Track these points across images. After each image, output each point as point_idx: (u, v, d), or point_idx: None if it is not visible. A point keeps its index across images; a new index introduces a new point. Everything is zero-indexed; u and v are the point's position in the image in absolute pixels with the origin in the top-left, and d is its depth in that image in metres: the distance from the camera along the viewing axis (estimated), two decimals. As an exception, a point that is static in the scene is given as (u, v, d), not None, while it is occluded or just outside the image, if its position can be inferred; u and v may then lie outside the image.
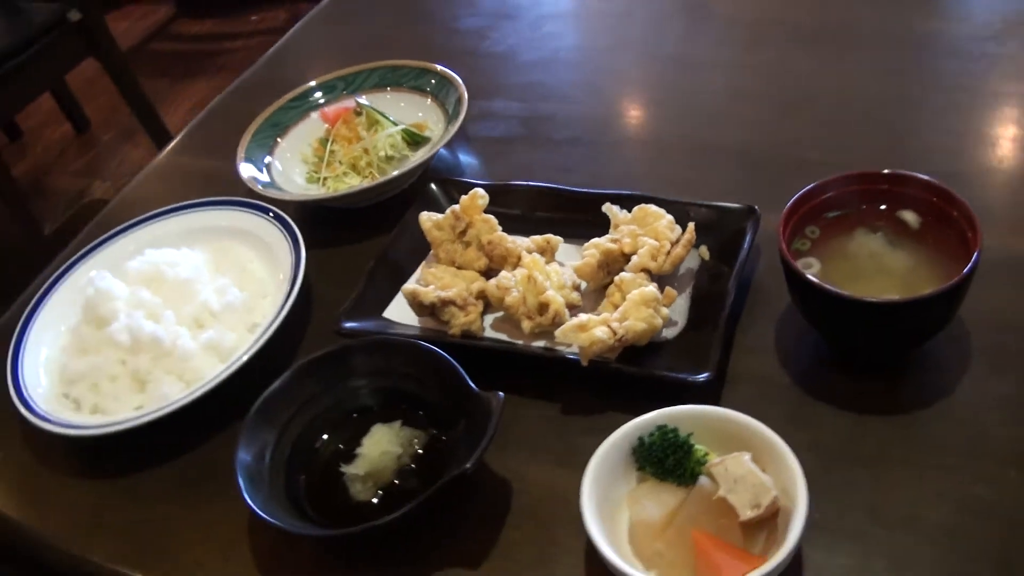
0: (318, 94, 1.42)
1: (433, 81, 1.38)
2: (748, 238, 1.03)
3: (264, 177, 1.30)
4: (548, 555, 0.86)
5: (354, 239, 1.25)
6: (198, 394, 1.01)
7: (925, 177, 0.94)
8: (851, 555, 0.81)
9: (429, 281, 1.06)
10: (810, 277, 0.88)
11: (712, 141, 1.29)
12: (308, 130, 1.39)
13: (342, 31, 1.80)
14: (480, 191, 1.09)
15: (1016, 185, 1.15)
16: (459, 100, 1.29)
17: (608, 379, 0.96)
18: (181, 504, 0.99)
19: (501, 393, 0.88)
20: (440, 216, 1.11)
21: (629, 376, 0.94)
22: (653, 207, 1.05)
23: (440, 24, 1.75)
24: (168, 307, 1.12)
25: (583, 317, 0.94)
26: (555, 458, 0.93)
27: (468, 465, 0.82)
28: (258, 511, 0.86)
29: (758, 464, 0.81)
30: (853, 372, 0.94)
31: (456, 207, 1.10)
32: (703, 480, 0.81)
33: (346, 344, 0.99)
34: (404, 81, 1.40)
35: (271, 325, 1.06)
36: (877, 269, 0.93)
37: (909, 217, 0.95)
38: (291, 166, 1.36)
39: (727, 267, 1.02)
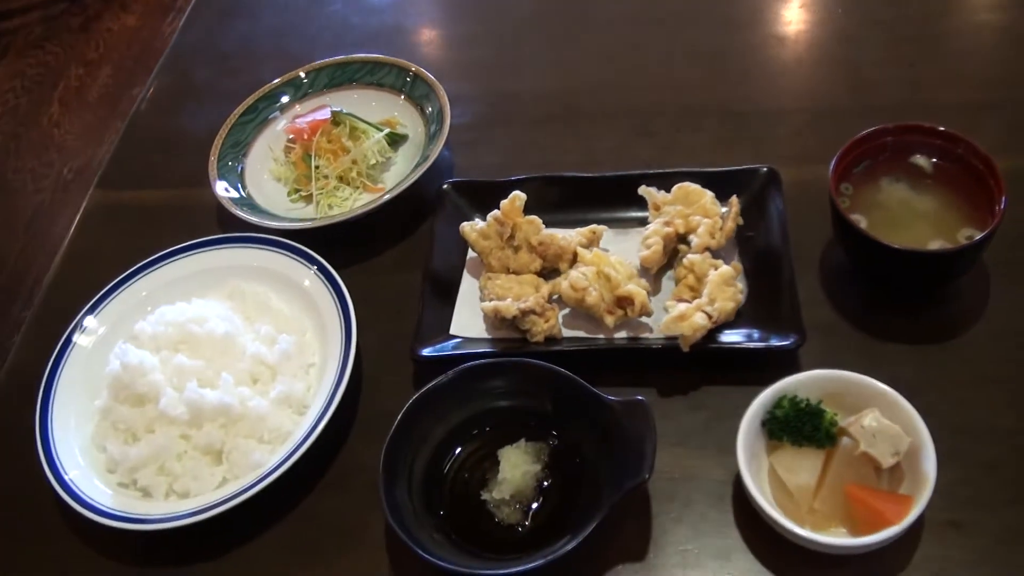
0: (266, 104, 1.34)
1: (384, 72, 1.35)
2: (778, 199, 1.11)
3: (247, 203, 1.23)
4: (701, 531, 0.94)
5: (362, 251, 1.23)
6: (302, 450, 0.98)
7: (927, 124, 1.07)
8: (951, 471, 0.93)
9: (497, 293, 1.07)
10: (884, 242, 0.98)
11: (682, 102, 1.36)
12: (266, 143, 1.33)
13: (231, 23, 1.69)
14: (519, 193, 1.11)
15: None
16: (440, 109, 1.28)
17: (694, 357, 1.03)
18: (318, 564, 0.97)
19: (641, 397, 0.93)
20: (482, 224, 1.12)
21: (726, 351, 1.01)
22: (692, 185, 1.11)
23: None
24: (215, 368, 1.06)
25: (681, 307, 0.99)
26: (673, 439, 0.99)
27: (646, 475, 0.87)
28: (441, 562, 0.87)
29: (880, 412, 0.92)
30: (900, 308, 1.06)
31: (497, 213, 1.11)
32: (844, 440, 0.91)
33: (458, 371, 0.99)
34: (356, 77, 1.36)
35: (343, 372, 1.03)
36: (910, 214, 1.05)
37: (922, 162, 1.07)
38: (262, 184, 1.29)
39: (757, 228, 1.11)
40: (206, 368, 1.06)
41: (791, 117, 1.29)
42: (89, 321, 1.15)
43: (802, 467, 0.91)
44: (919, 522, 0.87)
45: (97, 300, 1.17)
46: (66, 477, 1.02)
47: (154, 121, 1.52)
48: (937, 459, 0.88)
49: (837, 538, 0.88)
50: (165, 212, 1.36)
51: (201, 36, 1.66)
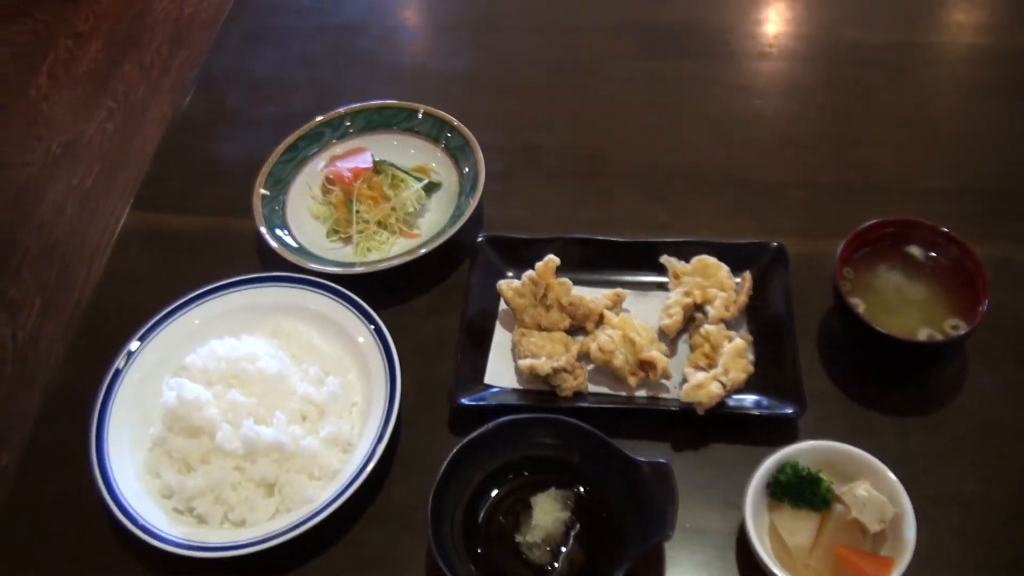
0: (306, 143, 1.42)
1: (419, 118, 1.44)
2: (784, 273, 1.23)
3: (291, 242, 1.32)
4: (708, 566, 1.06)
5: (397, 295, 1.32)
6: (353, 488, 1.07)
7: (927, 222, 1.19)
8: (922, 533, 1.04)
9: (531, 351, 1.17)
10: (880, 329, 1.10)
11: (693, 166, 1.48)
12: (305, 180, 1.41)
13: (261, 51, 1.75)
14: (554, 258, 1.21)
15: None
16: (475, 164, 1.37)
17: (706, 419, 1.14)
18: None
19: (664, 460, 1.05)
20: (517, 283, 1.22)
21: (736, 416, 1.13)
22: (711, 259, 1.22)
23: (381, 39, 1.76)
24: (267, 406, 1.15)
25: (699, 376, 1.11)
26: (684, 491, 1.08)
27: (669, 532, 0.99)
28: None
29: (870, 483, 1.05)
30: (888, 382, 1.19)
31: (532, 274, 1.21)
32: (838, 506, 1.04)
33: (498, 423, 1.09)
34: (394, 122, 1.44)
35: (388, 417, 1.13)
36: (903, 301, 1.17)
37: (917, 252, 1.20)
38: (301, 221, 1.38)
39: (765, 299, 1.23)
40: (258, 405, 1.15)
41: (793, 191, 1.41)
42: (138, 348, 1.22)
43: (800, 528, 1.04)
44: (898, 580, 1.01)
45: (148, 329, 1.23)
46: (123, 499, 1.10)
47: (189, 142, 1.58)
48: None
49: (828, 594, 1.01)
50: (202, 239, 1.44)
51: (232, 60, 1.72)
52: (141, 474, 1.15)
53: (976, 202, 1.40)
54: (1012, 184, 1.42)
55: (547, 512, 1.07)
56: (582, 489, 1.09)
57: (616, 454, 1.07)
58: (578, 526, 1.07)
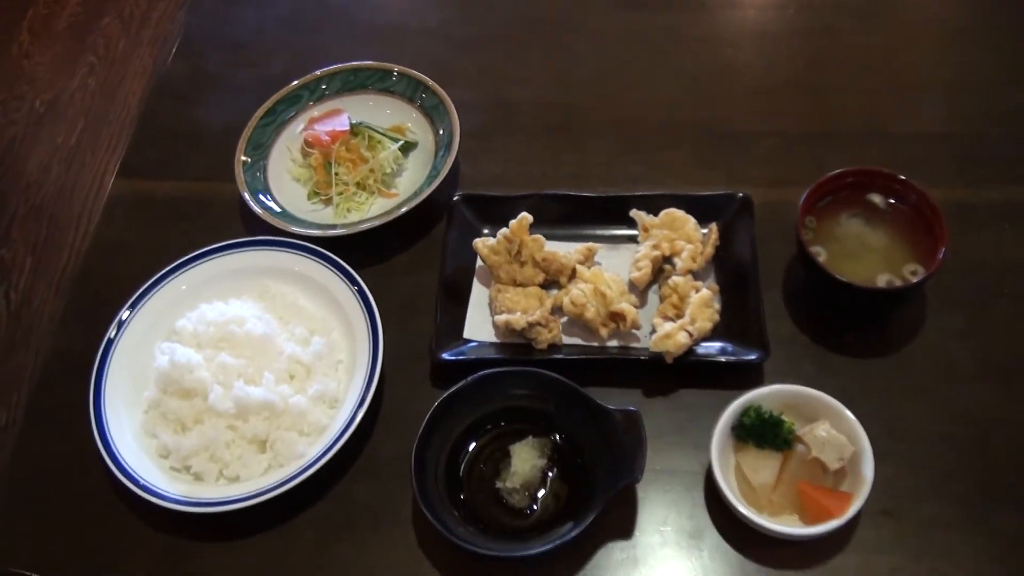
0: (284, 107, 1.45)
1: (393, 78, 1.47)
2: (750, 223, 1.27)
3: (274, 206, 1.36)
4: (678, 515, 1.12)
5: (376, 253, 1.36)
6: (341, 443, 1.13)
7: (887, 171, 1.23)
8: (886, 468, 1.12)
9: (507, 306, 1.22)
10: (840, 277, 1.15)
11: (666, 119, 1.51)
12: (284, 144, 1.44)
13: (239, 12, 1.76)
14: (527, 215, 1.26)
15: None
16: (451, 125, 1.40)
17: (675, 367, 1.19)
18: (355, 540, 1.13)
19: (635, 408, 1.10)
20: (492, 241, 1.26)
21: (703, 363, 1.19)
22: (678, 212, 1.26)
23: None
24: (256, 367, 1.20)
25: (667, 326, 1.16)
26: (654, 435, 1.14)
27: (638, 475, 1.05)
28: (465, 543, 1.05)
29: (830, 424, 1.10)
30: (849, 326, 1.24)
31: (506, 231, 1.25)
32: (799, 446, 1.10)
33: (476, 377, 1.15)
34: (369, 83, 1.47)
35: (372, 373, 1.18)
36: (864, 248, 1.22)
37: (878, 200, 1.24)
38: (282, 184, 1.41)
39: (731, 249, 1.27)
40: (248, 366, 1.20)
41: (763, 140, 1.44)
42: (131, 314, 1.27)
43: (764, 467, 1.10)
44: (857, 513, 1.06)
45: (138, 297, 1.28)
46: (123, 461, 1.15)
47: (170, 108, 1.61)
48: (874, 458, 1.07)
49: (789, 527, 1.07)
50: (188, 204, 1.47)
51: (210, 22, 1.74)
52: (139, 435, 1.21)
53: (944, 147, 1.43)
54: (979, 128, 1.45)
55: (525, 460, 1.13)
56: (557, 437, 1.15)
57: (588, 403, 1.12)
58: (554, 471, 1.13)
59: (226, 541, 1.15)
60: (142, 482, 1.14)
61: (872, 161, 1.28)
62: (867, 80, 1.53)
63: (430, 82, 1.44)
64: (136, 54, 3.30)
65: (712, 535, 1.11)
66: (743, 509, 1.06)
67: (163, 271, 1.30)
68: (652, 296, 1.27)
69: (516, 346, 1.22)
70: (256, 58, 1.66)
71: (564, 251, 1.27)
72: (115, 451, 1.16)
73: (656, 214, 1.28)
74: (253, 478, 1.16)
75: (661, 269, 1.26)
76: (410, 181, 1.41)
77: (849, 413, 1.10)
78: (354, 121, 1.41)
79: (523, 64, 1.61)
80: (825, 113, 1.49)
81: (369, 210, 1.38)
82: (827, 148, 1.42)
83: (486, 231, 1.32)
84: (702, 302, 1.18)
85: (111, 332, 1.25)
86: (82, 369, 1.23)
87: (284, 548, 1.14)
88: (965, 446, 1.15)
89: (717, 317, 1.20)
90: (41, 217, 2.82)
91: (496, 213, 1.31)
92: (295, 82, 1.47)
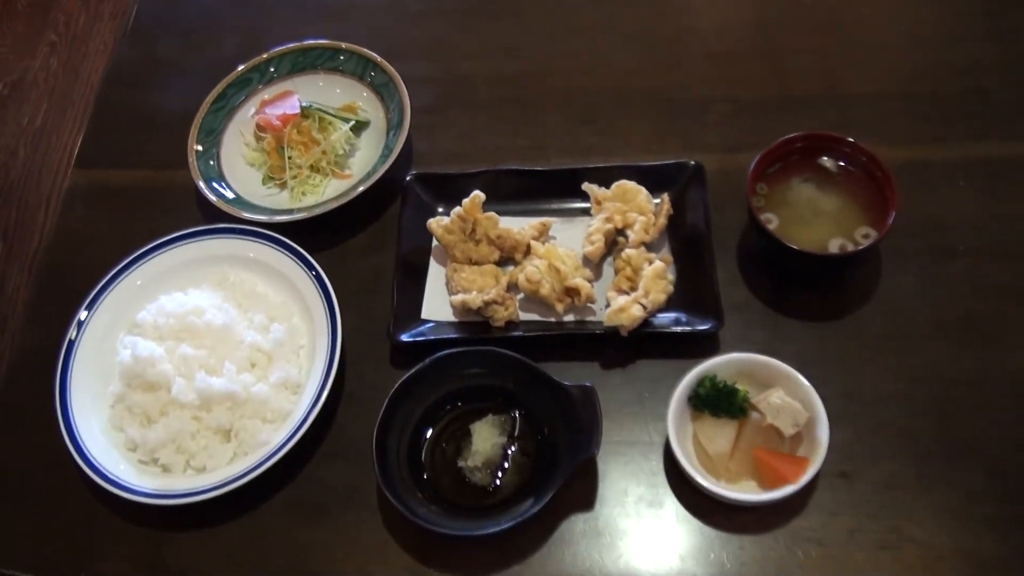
0: (235, 91, 1.44)
1: (342, 57, 1.45)
2: (702, 191, 1.28)
3: (229, 194, 1.35)
4: (638, 484, 1.14)
5: (332, 236, 1.36)
6: (304, 429, 1.14)
7: (836, 134, 1.23)
8: (843, 431, 1.14)
9: (463, 285, 1.23)
10: (791, 245, 1.16)
11: (620, 88, 1.50)
12: (237, 128, 1.43)
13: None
14: (479, 193, 1.26)
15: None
16: (400, 101, 1.39)
17: (631, 339, 1.20)
18: (324, 522, 1.15)
19: (590, 384, 1.11)
20: (446, 220, 1.26)
21: (658, 335, 1.20)
22: (629, 184, 1.27)
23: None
24: (217, 357, 1.21)
25: (621, 300, 1.17)
26: (613, 407, 1.18)
27: (595, 449, 1.07)
28: (428, 524, 1.06)
29: (784, 390, 1.12)
30: (803, 290, 1.25)
31: (460, 210, 1.25)
32: (754, 414, 1.12)
33: (434, 359, 1.16)
34: (319, 63, 1.46)
35: (332, 358, 1.18)
36: (815, 212, 1.22)
37: (829, 164, 1.24)
38: (235, 169, 1.41)
39: (684, 218, 1.27)
40: (209, 357, 1.21)
41: (716, 106, 1.44)
42: (91, 313, 1.27)
43: (720, 435, 1.12)
44: (815, 476, 1.08)
45: (100, 289, 1.28)
46: (92, 458, 1.16)
47: (124, 96, 1.59)
48: (830, 421, 1.08)
49: (746, 493, 1.09)
50: (144, 193, 1.47)
51: (161, 4, 1.71)
52: (107, 430, 1.22)
53: (899, 106, 1.43)
54: (934, 86, 1.45)
55: (485, 438, 1.14)
56: (517, 414, 1.16)
57: (545, 379, 1.14)
58: (515, 448, 1.15)
59: (199, 529, 1.16)
60: (112, 477, 1.15)
61: (827, 123, 1.29)
62: (820, 41, 1.52)
63: (379, 59, 1.43)
64: (97, 29, 3.26)
65: (672, 503, 1.13)
66: (700, 479, 1.08)
67: (121, 264, 1.30)
68: (607, 269, 1.27)
69: (474, 324, 1.23)
70: (207, 41, 1.64)
71: (519, 227, 1.27)
72: (83, 448, 1.18)
73: (609, 186, 1.28)
74: (220, 467, 1.17)
75: (615, 242, 1.26)
76: (364, 161, 1.40)
77: (803, 379, 1.11)
78: (304, 103, 1.40)
79: (475, 35, 1.60)
80: (779, 76, 1.48)
81: (324, 192, 1.38)
82: (781, 112, 1.42)
83: (440, 209, 1.32)
84: (655, 274, 1.19)
85: (71, 333, 1.25)
86: (49, 365, 1.24)
87: (255, 534, 1.15)
88: (922, 405, 1.16)
89: (671, 288, 1.21)
90: (11, 201, 2.80)
91: (450, 191, 1.31)
92: (242, 66, 1.45)
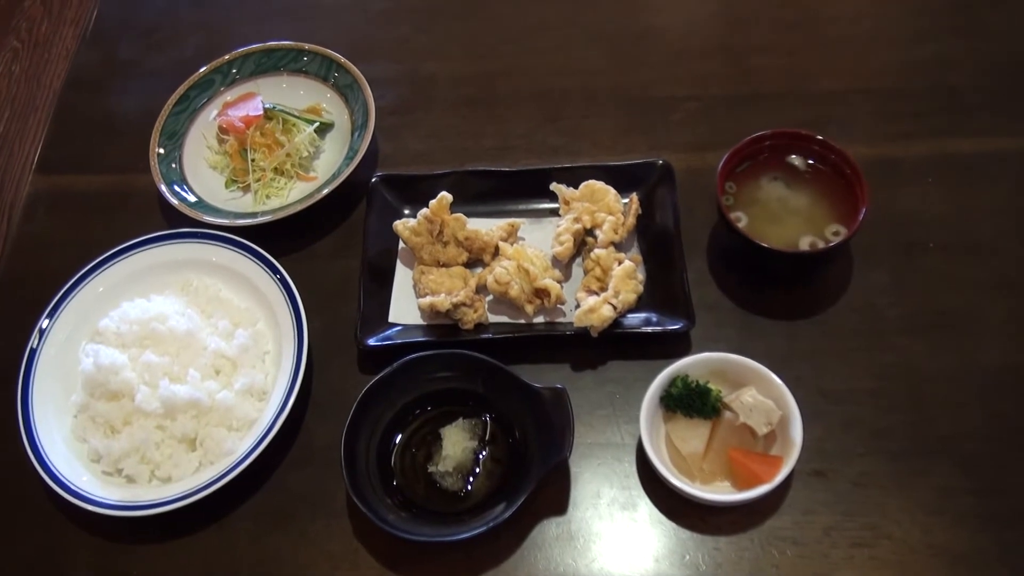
0: (197, 92, 1.41)
1: (306, 59, 1.43)
2: (671, 190, 1.27)
3: (191, 198, 1.32)
4: (610, 487, 1.13)
5: (298, 239, 1.34)
6: (270, 437, 1.11)
7: (804, 132, 1.23)
8: (816, 429, 1.14)
9: (431, 288, 1.21)
10: (760, 243, 1.15)
11: (585, 86, 1.49)
12: (199, 131, 1.41)
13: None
14: (447, 195, 1.24)
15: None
16: (365, 102, 1.37)
17: (601, 340, 1.19)
18: (292, 530, 1.13)
19: (561, 386, 1.10)
20: (414, 222, 1.24)
21: (629, 335, 1.18)
22: (598, 184, 1.25)
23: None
24: (181, 364, 1.18)
25: (590, 300, 1.15)
26: (585, 409, 1.16)
27: (567, 452, 1.05)
28: (397, 531, 1.04)
29: (757, 389, 1.11)
30: (774, 287, 1.25)
31: (427, 212, 1.23)
32: (727, 413, 1.10)
33: (402, 363, 1.14)
34: (282, 64, 1.43)
35: (299, 365, 1.16)
36: (785, 211, 1.22)
37: (798, 162, 1.24)
38: (199, 172, 1.38)
39: (653, 217, 1.26)
40: (172, 364, 1.18)
41: (684, 104, 1.43)
42: (52, 321, 1.24)
43: (693, 435, 1.11)
44: (789, 475, 1.07)
45: (61, 296, 1.25)
46: (55, 470, 1.13)
47: (85, 100, 1.56)
48: (804, 419, 1.07)
49: (720, 494, 1.08)
50: (107, 198, 1.44)
51: (121, 5, 1.68)
52: (70, 440, 1.19)
53: (867, 103, 1.43)
54: (902, 82, 1.45)
55: (456, 442, 1.13)
56: (488, 417, 1.15)
57: (516, 382, 1.12)
58: (486, 452, 1.13)
59: (165, 541, 1.14)
60: (75, 489, 1.12)
61: (796, 120, 1.28)
62: (788, 38, 1.52)
63: (343, 60, 1.41)
64: (59, 34, 3.21)
65: (646, 505, 1.11)
66: (674, 480, 1.06)
67: (82, 271, 1.27)
68: (577, 269, 1.26)
69: (443, 327, 1.21)
70: (167, 42, 1.61)
71: (487, 228, 1.25)
72: (46, 459, 1.15)
73: (577, 186, 1.27)
74: (185, 477, 1.14)
75: (584, 242, 1.25)
76: (328, 163, 1.38)
77: (775, 377, 1.10)
78: (267, 104, 1.38)
79: (440, 35, 1.58)
80: (746, 74, 1.47)
81: (289, 195, 1.36)
82: (749, 110, 1.41)
83: (407, 211, 1.30)
84: (625, 274, 1.18)
85: (32, 341, 1.22)
86: (11, 375, 1.21)
87: (223, 543, 1.13)
88: (895, 402, 1.16)
89: (641, 288, 1.19)
90: (-26, 210, 2.76)
91: (416, 193, 1.30)
92: (204, 67, 1.43)
